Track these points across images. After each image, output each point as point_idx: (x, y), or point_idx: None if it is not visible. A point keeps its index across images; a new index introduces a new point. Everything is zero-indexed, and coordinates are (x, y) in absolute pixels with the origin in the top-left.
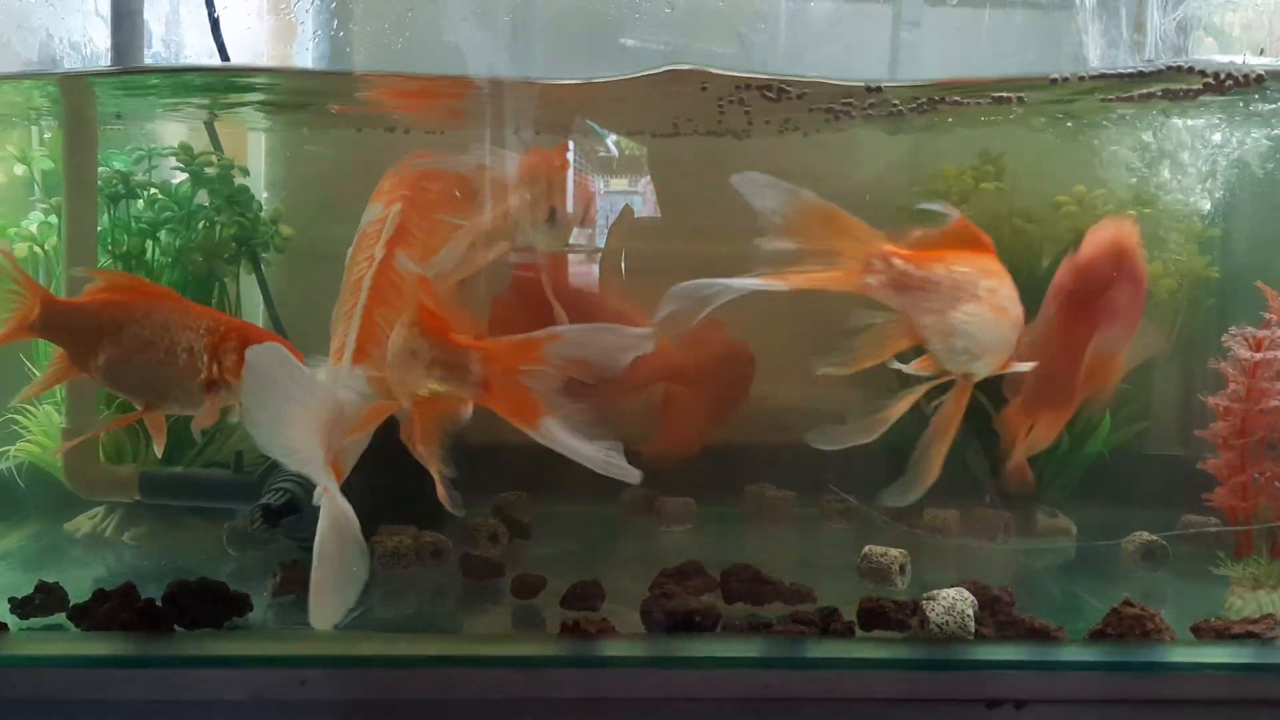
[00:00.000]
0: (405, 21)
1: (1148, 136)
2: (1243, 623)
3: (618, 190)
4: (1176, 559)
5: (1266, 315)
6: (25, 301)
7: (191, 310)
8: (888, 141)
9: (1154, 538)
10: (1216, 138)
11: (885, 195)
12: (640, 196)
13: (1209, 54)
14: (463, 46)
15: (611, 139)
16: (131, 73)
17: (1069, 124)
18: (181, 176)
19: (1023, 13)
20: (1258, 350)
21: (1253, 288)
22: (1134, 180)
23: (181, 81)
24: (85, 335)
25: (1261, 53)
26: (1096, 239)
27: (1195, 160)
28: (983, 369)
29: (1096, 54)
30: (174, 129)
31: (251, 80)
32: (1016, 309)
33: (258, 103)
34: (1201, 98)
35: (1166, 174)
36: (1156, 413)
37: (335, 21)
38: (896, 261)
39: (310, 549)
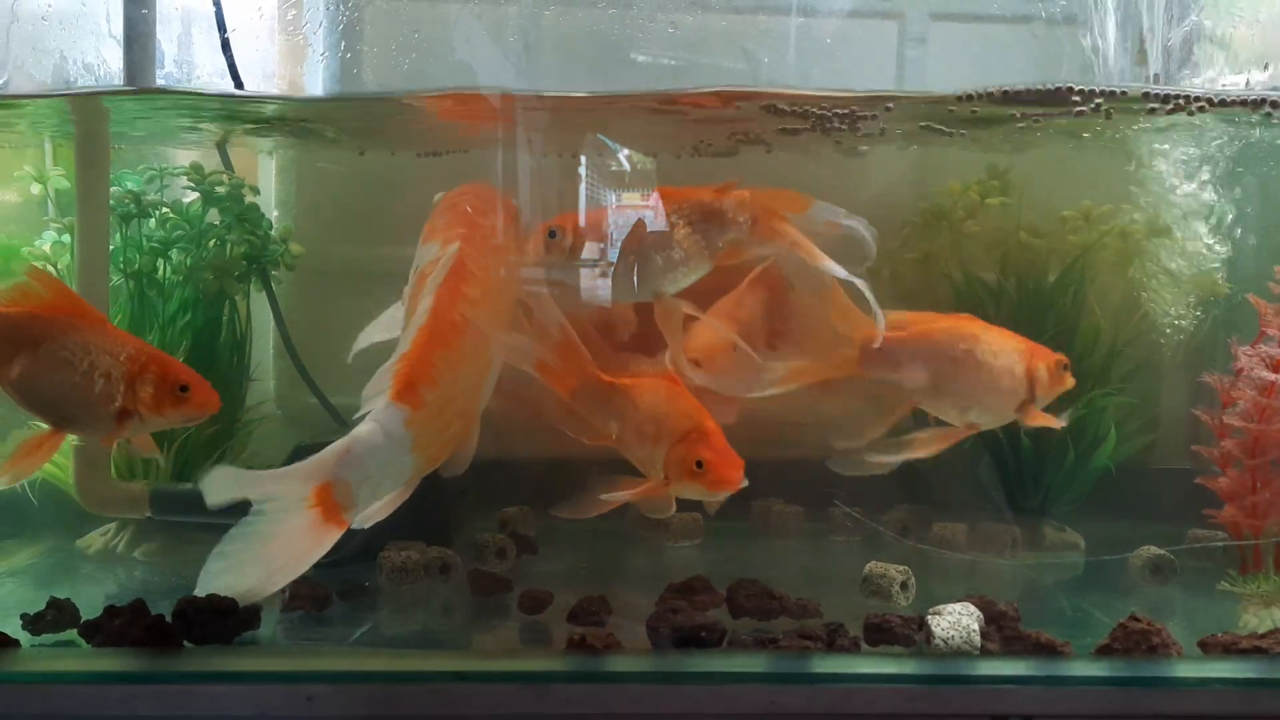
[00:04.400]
0: (412, 43)
1: (1154, 150)
2: (1251, 637)
3: (630, 205)
4: (1184, 573)
5: (1264, 330)
6: None
7: (114, 336)
8: (894, 157)
9: (1162, 552)
10: (1222, 150)
11: (892, 210)
12: (653, 212)
13: (1216, 68)
14: (472, 64)
15: (624, 154)
16: (145, 93)
17: (1077, 139)
18: (193, 196)
19: (1028, 29)
20: (1276, 371)
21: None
22: (1142, 194)
23: (192, 104)
24: (4, 344)
25: (1266, 68)
26: None
27: (1202, 173)
28: (987, 418)
29: (1101, 71)
30: (186, 147)
31: (262, 104)
32: (1001, 358)
33: (270, 122)
34: (1205, 114)
35: (1173, 187)
36: (1163, 426)
37: (343, 43)
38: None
39: (320, 565)
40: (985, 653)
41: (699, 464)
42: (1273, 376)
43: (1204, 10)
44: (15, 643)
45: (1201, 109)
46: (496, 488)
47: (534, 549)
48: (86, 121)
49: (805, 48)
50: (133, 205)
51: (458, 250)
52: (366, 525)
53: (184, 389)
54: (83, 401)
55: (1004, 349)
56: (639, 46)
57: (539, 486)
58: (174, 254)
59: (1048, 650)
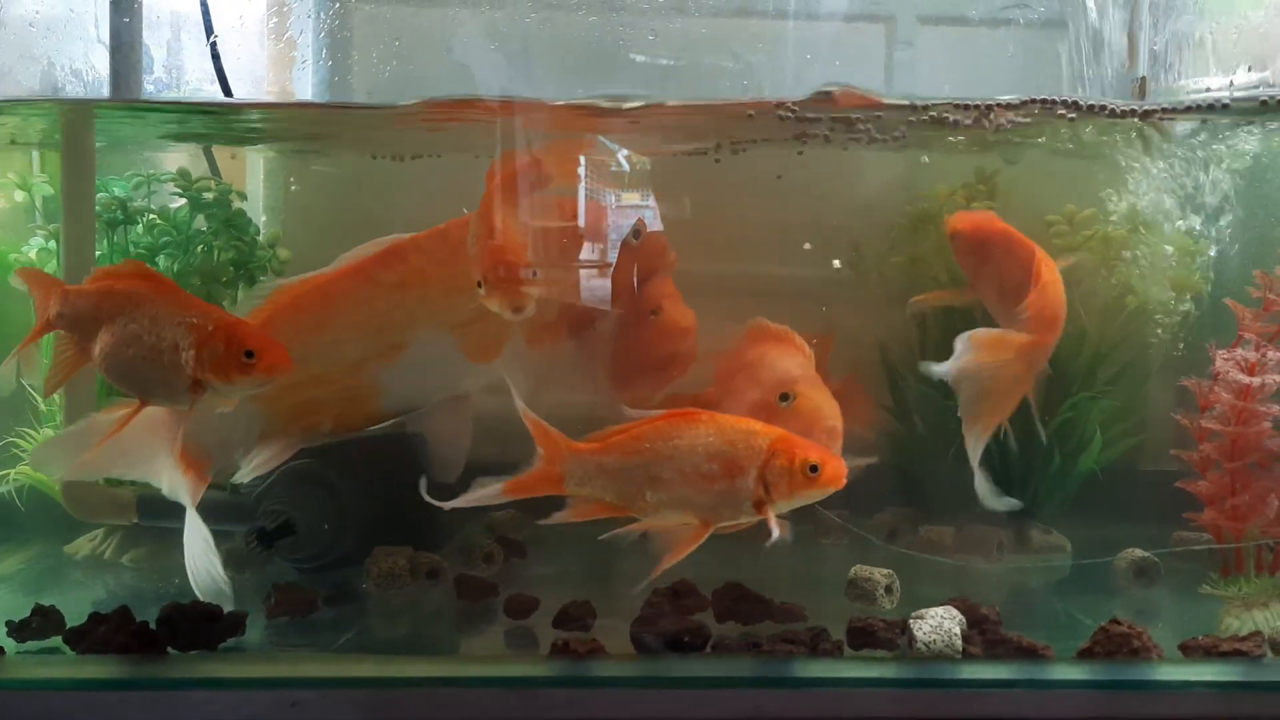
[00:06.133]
0: (393, 50)
1: (1140, 153)
2: (1231, 640)
3: (629, 205)
4: (1170, 575)
5: (1242, 334)
6: (41, 301)
7: (184, 304)
8: (883, 160)
9: (1146, 554)
10: (1209, 153)
11: (881, 214)
12: (651, 211)
13: (1200, 71)
14: (459, 69)
15: (623, 153)
16: (130, 104)
17: (1061, 142)
18: (180, 201)
19: (1014, 32)
20: (1252, 374)
21: (1244, 300)
22: (1127, 197)
23: (179, 110)
24: (90, 323)
25: (1249, 70)
26: None
27: (1188, 176)
28: None
29: (1088, 74)
30: (173, 153)
31: (248, 110)
32: None
33: (256, 129)
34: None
35: (1159, 191)
36: (1150, 428)
37: (324, 51)
38: None
39: (306, 570)
40: (967, 656)
41: (813, 468)
42: (1248, 380)
43: (1189, 14)
44: (0, 650)
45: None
46: None
47: (523, 553)
48: (72, 127)
49: (799, 52)
50: (119, 211)
51: (390, 240)
52: (246, 479)
53: (249, 355)
54: (156, 374)
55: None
56: (627, 52)
57: None
58: (161, 260)
59: (1029, 654)
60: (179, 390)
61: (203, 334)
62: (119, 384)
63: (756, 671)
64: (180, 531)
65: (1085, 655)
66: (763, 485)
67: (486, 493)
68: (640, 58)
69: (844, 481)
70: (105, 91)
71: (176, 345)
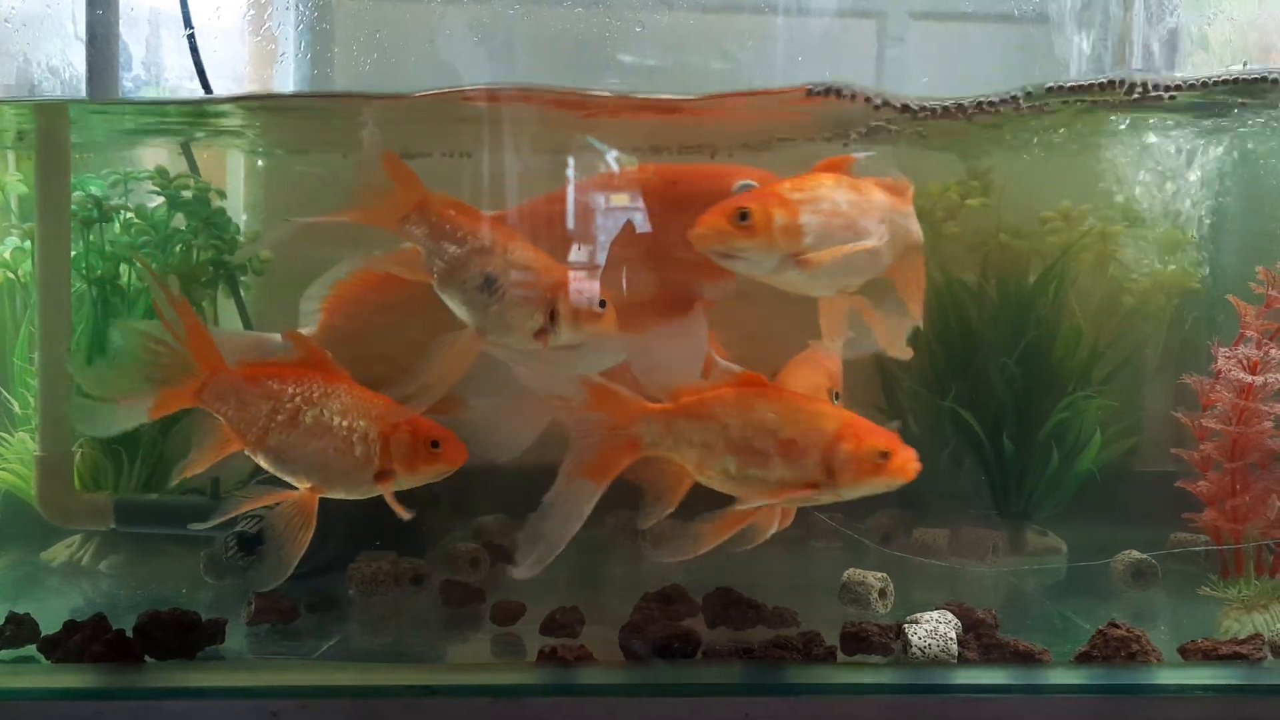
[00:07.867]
0: (374, 43)
1: (1134, 150)
2: (1230, 643)
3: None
4: (1167, 577)
5: (1244, 331)
6: (191, 369)
7: (363, 395)
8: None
9: (1144, 556)
10: (1203, 150)
11: None
12: (640, 214)
13: (1195, 67)
14: (442, 63)
15: (612, 155)
16: (106, 103)
17: (1055, 139)
18: (158, 200)
19: (1006, 28)
20: (1254, 373)
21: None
22: (1121, 195)
23: (157, 107)
24: (247, 406)
25: (1245, 64)
26: None
27: (1182, 173)
28: None
29: (1077, 69)
30: (153, 151)
31: (226, 107)
32: None
33: (237, 128)
34: (1184, 111)
35: (1154, 187)
36: (1147, 428)
37: (303, 44)
38: None
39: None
40: (963, 661)
41: (883, 455)
42: (1250, 378)
43: (1182, 9)
44: None
45: (1172, 97)
46: (472, 496)
47: (509, 558)
48: (47, 125)
49: (788, 48)
50: (94, 210)
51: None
52: None
53: (435, 445)
54: (345, 464)
55: None
56: (613, 47)
57: (516, 494)
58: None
59: (1026, 658)
60: (363, 481)
61: (389, 425)
62: (291, 474)
63: (748, 678)
64: (153, 539)
65: (1083, 659)
66: (825, 469)
67: (570, 493)
68: (628, 57)
69: (914, 473)
70: (83, 89)
71: (367, 437)
